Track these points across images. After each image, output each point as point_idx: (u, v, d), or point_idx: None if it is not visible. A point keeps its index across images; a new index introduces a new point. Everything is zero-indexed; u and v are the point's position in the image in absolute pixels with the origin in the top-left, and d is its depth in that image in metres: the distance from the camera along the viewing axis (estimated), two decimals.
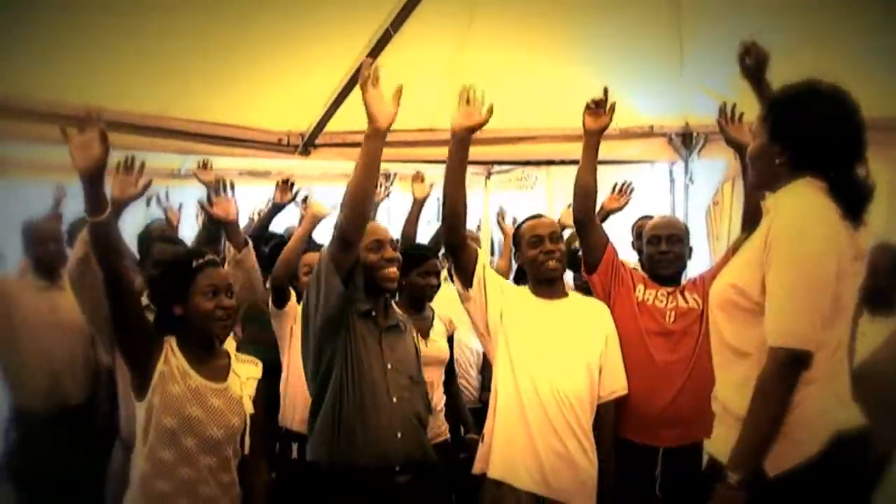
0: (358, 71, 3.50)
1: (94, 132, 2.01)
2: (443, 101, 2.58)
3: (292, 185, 3.83)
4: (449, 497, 3.29)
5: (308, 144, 4.26)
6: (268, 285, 3.35)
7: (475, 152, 2.62)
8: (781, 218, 1.86)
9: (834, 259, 1.81)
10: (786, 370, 1.79)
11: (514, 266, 3.65)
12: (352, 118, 3.79)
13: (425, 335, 3.21)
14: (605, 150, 2.97)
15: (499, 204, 5.27)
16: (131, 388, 2.20)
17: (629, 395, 2.76)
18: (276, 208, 3.86)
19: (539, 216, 2.93)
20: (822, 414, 1.83)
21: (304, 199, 3.87)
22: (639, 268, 3.16)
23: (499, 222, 4.86)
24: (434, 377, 3.21)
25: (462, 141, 2.58)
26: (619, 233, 3.76)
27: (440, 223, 3.10)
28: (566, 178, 2.97)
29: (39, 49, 2.86)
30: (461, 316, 2.98)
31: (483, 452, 2.67)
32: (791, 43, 3.04)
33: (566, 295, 2.84)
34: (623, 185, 4.06)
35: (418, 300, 3.26)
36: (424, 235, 4.39)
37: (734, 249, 2.64)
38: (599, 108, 2.82)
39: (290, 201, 3.81)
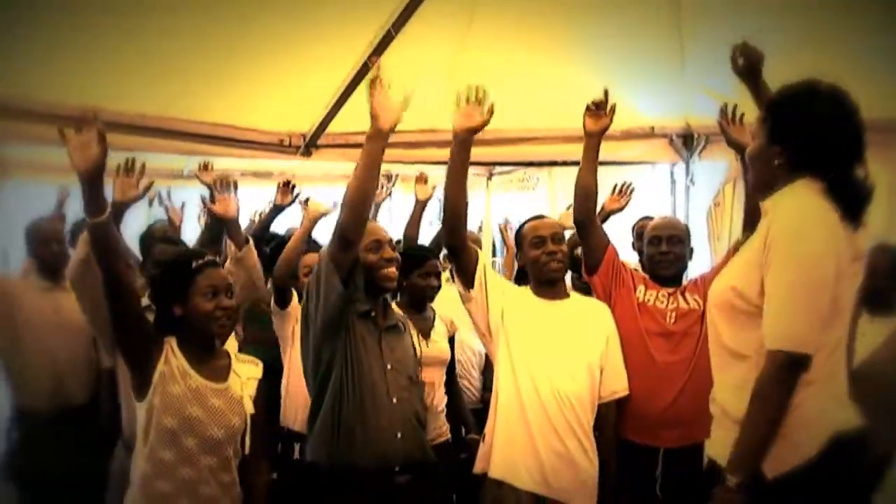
0: (359, 72, 3.56)
1: (93, 133, 2.01)
2: (444, 101, 2.57)
3: (293, 186, 3.84)
4: (450, 497, 3.30)
5: (310, 145, 4.27)
6: (269, 285, 3.36)
7: (476, 153, 2.62)
8: (780, 220, 1.86)
9: (833, 261, 1.81)
10: (784, 373, 1.79)
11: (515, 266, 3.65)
12: (353, 119, 3.81)
13: (426, 336, 3.21)
14: (607, 151, 2.97)
15: (504, 215, 5.27)
16: (132, 389, 2.20)
17: (630, 396, 2.76)
18: (277, 209, 3.87)
19: (541, 217, 2.93)
20: (821, 415, 1.82)
21: (305, 201, 3.88)
22: (639, 268, 3.16)
23: (502, 234, 4.86)
24: (435, 377, 3.21)
25: (464, 142, 2.57)
26: (619, 233, 3.77)
27: (441, 224, 3.10)
28: (568, 179, 2.97)
29: (39, 49, 2.86)
30: (462, 317, 2.98)
31: (484, 452, 2.68)
32: (791, 43, 3.05)
33: (567, 295, 2.84)
34: (623, 185, 4.07)
35: (419, 301, 3.26)
36: (426, 236, 4.40)
37: (735, 250, 2.63)
38: (600, 109, 2.82)
39: (290, 203, 3.82)
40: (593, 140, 2.85)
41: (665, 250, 2.92)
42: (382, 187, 4.63)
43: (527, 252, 2.79)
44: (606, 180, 3.86)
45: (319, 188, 5.02)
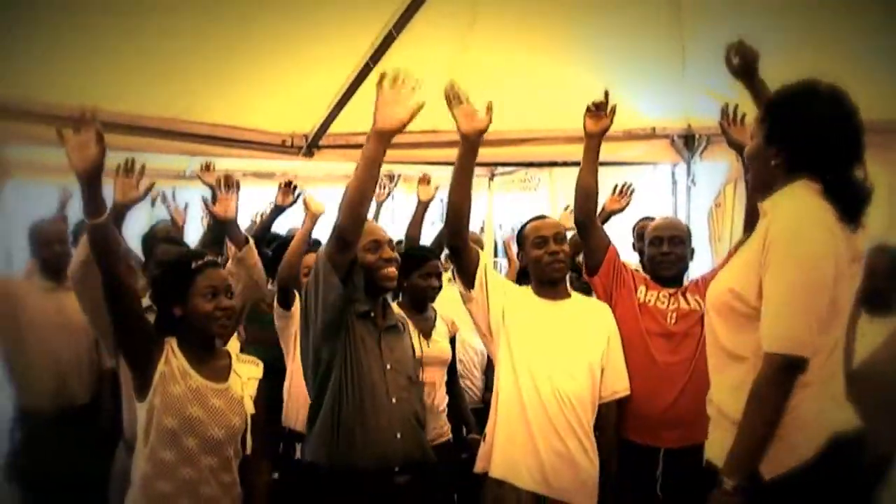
0: (361, 72, 3.56)
1: (90, 133, 2.02)
2: (445, 102, 2.57)
3: (294, 187, 3.85)
4: (451, 497, 3.30)
5: (312, 146, 4.28)
6: (271, 286, 3.37)
7: (478, 154, 2.62)
8: (778, 222, 1.85)
9: (831, 263, 1.80)
10: (782, 376, 1.79)
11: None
12: (355, 120, 3.81)
13: (427, 336, 3.22)
14: (608, 151, 2.97)
15: (508, 227, 5.26)
16: (133, 389, 2.21)
17: (631, 396, 2.76)
18: (278, 210, 3.87)
19: (543, 217, 2.93)
20: (818, 417, 1.82)
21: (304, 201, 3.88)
22: (640, 269, 3.16)
23: (506, 249, 4.86)
24: (436, 378, 3.22)
25: (474, 145, 2.54)
26: (619, 234, 3.77)
27: (443, 225, 3.11)
28: (569, 179, 2.98)
29: (39, 49, 2.87)
30: (464, 317, 2.98)
31: (484, 452, 2.68)
32: (791, 43, 3.05)
33: (569, 295, 2.84)
34: (624, 186, 4.07)
35: (420, 301, 3.27)
36: (428, 237, 4.40)
37: (736, 251, 2.64)
38: (600, 110, 2.82)
39: (291, 203, 3.82)
40: (593, 141, 2.85)
41: (666, 251, 2.92)
42: (384, 187, 4.63)
43: (529, 252, 2.79)
44: (608, 181, 3.87)
45: (321, 189, 5.03)
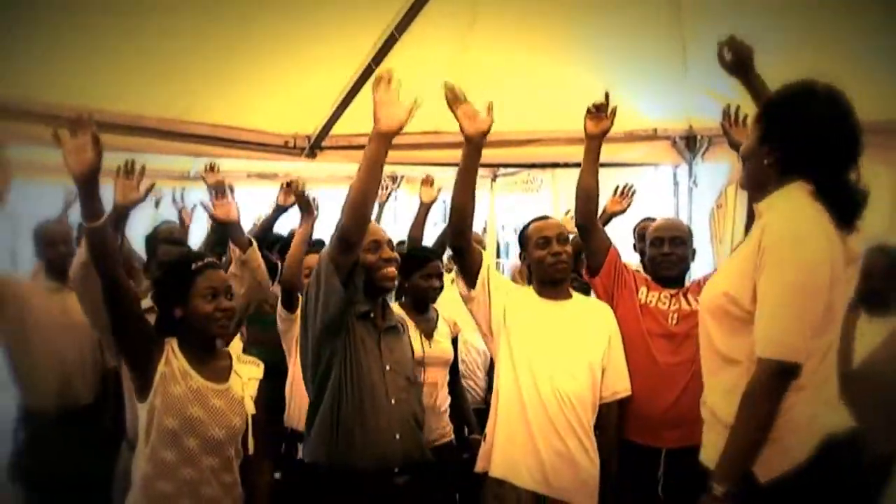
0: (363, 73, 3.57)
1: (87, 136, 2.02)
2: (447, 104, 2.57)
3: (296, 187, 3.84)
4: (452, 498, 3.31)
5: (314, 147, 4.28)
6: (274, 288, 3.37)
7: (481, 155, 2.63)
8: (774, 225, 1.84)
9: (827, 268, 1.79)
10: (775, 381, 1.78)
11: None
12: (358, 121, 3.82)
13: (429, 336, 3.23)
14: (610, 152, 2.97)
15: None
16: (133, 390, 2.22)
17: (632, 397, 2.76)
18: (280, 210, 3.87)
19: (546, 217, 2.94)
20: (812, 420, 1.81)
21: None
22: (640, 270, 3.17)
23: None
24: (438, 378, 3.23)
25: (477, 146, 2.55)
26: (620, 235, 3.77)
27: (446, 225, 3.11)
28: (571, 180, 2.97)
29: (39, 49, 2.86)
30: (467, 318, 2.99)
31: (485, 451, 2.69)
32: (791, 43, 3.05)
33: (570, 296, 2.84)
34: (625, 187, 4.07)
35: (421, 302, 3.28)
36: (430, 237, 4.41)
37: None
38: (600, 111, 2.83)
39: (293, 203, 3.82)
40: (594, 142, 2.86)
41: (667, 251, 2.92)
42: (385, 188, 4.64)
43: (532, 252, 2.80)
44: (609, 182, 3.88)
45: (324, 190, 5.04)
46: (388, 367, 2.54)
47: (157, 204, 5.22)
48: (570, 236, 2.89)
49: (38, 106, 3.06)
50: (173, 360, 2.18)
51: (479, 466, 2.70)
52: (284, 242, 4.30)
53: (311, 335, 2.49)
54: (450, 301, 3.45)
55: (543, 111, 4.16)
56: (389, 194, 4.79)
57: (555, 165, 5.16)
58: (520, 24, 3.48)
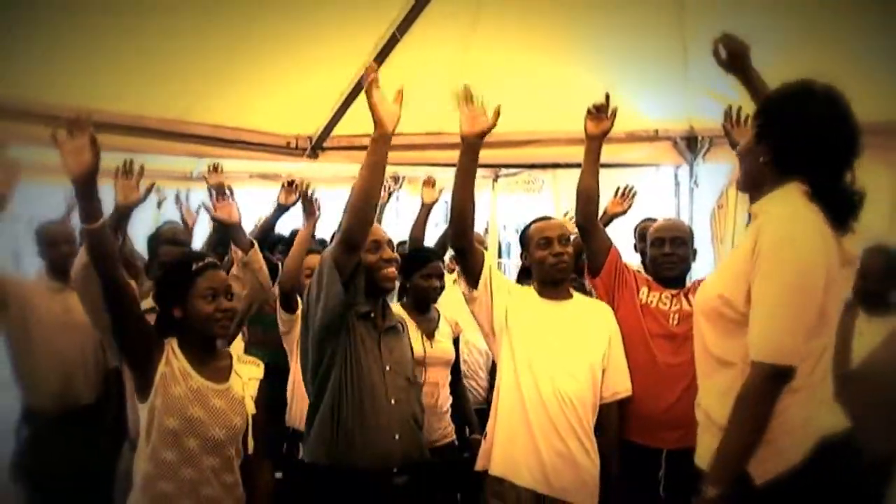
0: (365, 74, 3.57)
1: (85, 138, 2.02)
2: (449, 104, 2.58)
3: (297, 186, 3.85)
4: (453, 498, 3.31)
5: (316, 148, 4.29)
6: (275, 288, 3.38)
7: (482, 155, 2.62)
8: (769, 228, 1.83)
9: (822, 272, 1.78)
10: (768, 384, 1.78)
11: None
12: (359, 121, 3.83)
13: (430, 336, 3.23)
14: (611, 153, 2.97)
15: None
16: (134, 390, 2.22)
17: (632, 397, 2.76)
18: (281, 209, 3.87)
19: (547, 218, 2.94)
20: (807, 421, 1.81)
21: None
22: (641, 270, 3.17)
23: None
24: (440, 378, 3.23)
25: (472, 146, 2.56)
26: (621, 235, 3.77)
27: (447, 225, 3.12)
28: (572, 181, 2.98)
29: (39, 49, 2.87)
30: (469, 318, 2.99)
31: (485, 450, 2.70)
32: (791, 43, 3.05)
33: (571, 296, 2.85)
34: (626, 189, 4.07)
35: (422, 302, 3.29)
36: (432, 237, 4.42)
37: None
38: (601, 112, 2.83)
39: (294, 202, 3.83)
40: (594, 143, 2.86)
41: (668, 252, 2.92)
42: (386, 189, 4.65)
43: (533, 253, 2.80)
44: (611, 182, 3.88)
45: (327, 190, 5.05)
46: (388, 368, 2.55)
47: (159, 204, 5.23)
48: (572, 237, 2.89)
49: (39, 106, 3.05)
50: (174, 360, 2.18)
51: (478, 465, 2.70)
52: (286, 242, 4.31)
53: (312, 335, 2.49)
54: (452, 301, 3.46)
55: (545, 111, 4.17)
56: (391, 195, 4.79)
57: (556, 166, 5.17)
58: (521, 25, 3.49)
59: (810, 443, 1.78)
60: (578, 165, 2.94)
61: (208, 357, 2.26)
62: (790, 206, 1.85)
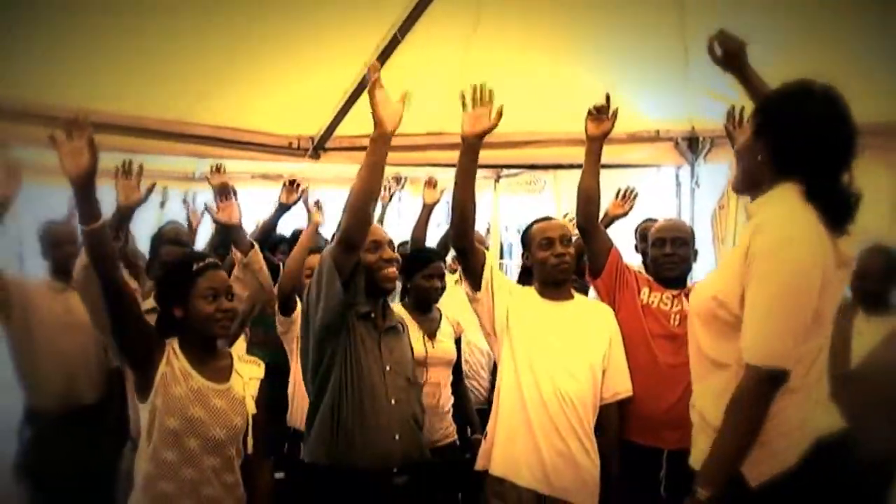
0: (366, 75, 3.57)
1: (83, 140, 2.02)
2: (451, 104, 2.58)
3: (297, 185, 3.86)
4: (454, 498, 3.32)
5: (318, 148, 4.30)
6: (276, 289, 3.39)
7: (484, 156, 2.62)
8: (764, 231, 1.81)
9: (816, 273, 1.77)
10: (762, 388, 1.77)
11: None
12: (361, 122, 3.83)
13: (432, 336, 3.24)
14: (612, 153, 2.97)
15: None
16: (135, 390, 2.22)
17: (633, 397, 2.77)
18: (283, 208, 3.88)
19: (549, 218, 2.94)
20: (803, 423, 1.81)
21: (316, 203, 3.88)
22: (642, 270, 3.17)
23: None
24: (441, 378, 3.24)
25: (472, 146, 2.57)
26: (622, 235, 3.78)
27: (449, 226, 3.13)
28: (573, 181, 2.98)
29: (39, 49, 2.87)
30: (471, 318, 3.00)
31: (485, 449, 2.70)
32: (791, 43, 3.05)
33: (572, 297, 2.85)
34: (627, 190, 4.07)
35: (423, 302, 3.29)
36: (434, 237, 4.43)
37: None
38: (601, 113, 2.84)
39: (296, 201, 3.83)
40: (595, 144, 2.87)
41: (669, 252, 2.92)
42: (388, 189, 4.65)
43: (535, 253, 2.80)
44: (613, 183, 3.88)
45: (329, 191, 5.05)
46: (388, 368, 2.55)
47: (162, 204, 5.25)
48: (573, 238, 2.89)
49: (39, 107, 3.06)
50: (174, 360, 2.19)
51: (479, 464, 2.71)
52: (288, 243, 4.32)
53: (312, 335, 2.50)
54: (454, 301, 3.46)
55: (546, 112, 4.17)
56: (392, 195, 4.80)
57: (558, 166, 5.18)
58: (523, 26, 3.49)
59: (806, 444, 1.78)
60: (580, 166, 2.94)
61: (209, 357, 2.26)
62: (786, 206, 1.84)
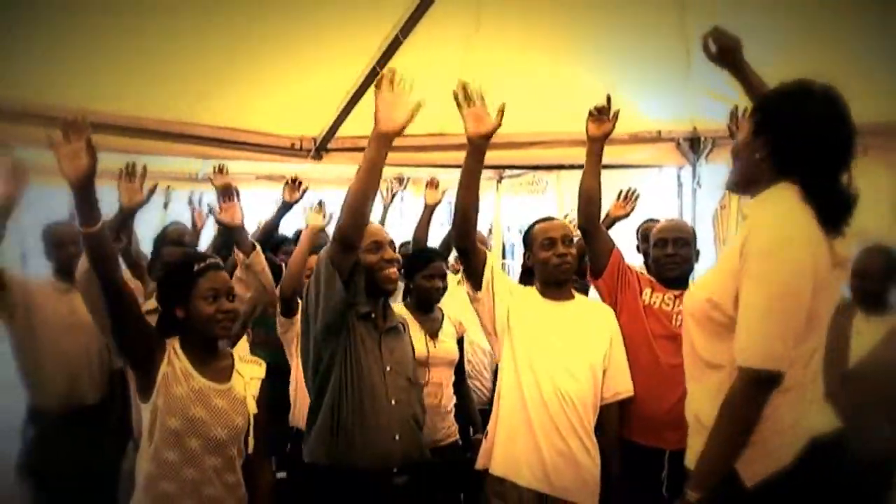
0: (368, 76, 3.58)
1: (82, 142, 2.01)
2: (452, 105, 2.58)
3: (300, 183, 3.86)
4: (455, 498, 3.32)
5: (320, 149, 4.30)
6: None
7: (487, 157, 2.61)
8: (758, 232, 1.80)
9: (811, 275, 1.76)
10: (755, 390, 1.76)
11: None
12: (363, 123, 3.83)
13: (434, 336, 3.24)
14: (614, 154, 2.97)
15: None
16: (136, 390, 2.23)
17: (635, 398, 2.77)
18: (286, 207, 3.88)
19: (551, 218, 2.94)
20: (797, 422, 1.80)
21: (319, 203, 3.89)
22: (644, 270, 3.17)
23: None
24: (443, 378, 3.24)
25: (479, 148, 2.54)
26: (623, 236, 3.78)
27: (451, 227, 3.14)
28: (575, 182, 2.99)
29: (39, 49, 2.87)
30: (473, 318, 3.00)
31: (486, 449, 2.70)
32: (792, 43, 3.04)
33: (573, 297, 2.85)
34: (628, 191, 4.07)
35: (425, 302, 3.30)
36: (436, 237, 4.43)
37: None
38: (602, 114, 2.84)
39: (298, 200, 3.84)
40: (596, 145, 2.87)
41: (671, 252, 2.92)
42: (390, 190, 4.65)
43: (536, 253, 2.80)
44: (614, 183, 3.88)
45: (332, 191, 5.06)
46: (388, 368, 2.55)
47: (166, 205, 5.26)
48: (575, 238, 2.90)
49: (39, 107, 3.06)
50: (175, 360, 2.19)
51: (479, 464, 2.71)
52: (291, 243, 4.32)
53: (312, 336, 2.50)
54: (456, 301, 3.46)
55: (548, 113, 4.17)
56: (394, 196, 4.80)
57: (559, 167, 5.18)
58: (523, 26, 3.49)
59: (800, 444, 1.78)
60: (582, 167, 2.94)
61: (210, 357, 2.27)
62: (783, 206, 1.82)
